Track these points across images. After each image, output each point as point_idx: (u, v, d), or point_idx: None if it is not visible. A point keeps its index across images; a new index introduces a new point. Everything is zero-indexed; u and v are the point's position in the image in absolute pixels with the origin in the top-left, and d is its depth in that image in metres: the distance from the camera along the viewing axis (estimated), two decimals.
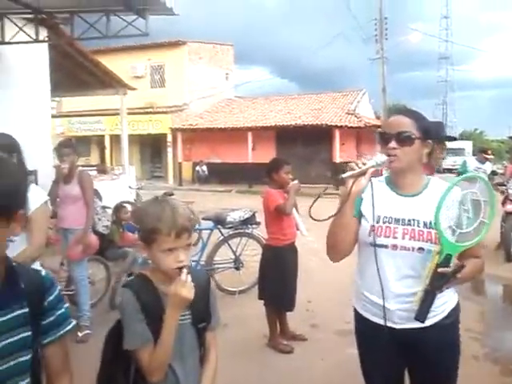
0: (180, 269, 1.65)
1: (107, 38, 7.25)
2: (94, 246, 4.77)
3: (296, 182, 4.32)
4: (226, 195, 19.00)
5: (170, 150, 24.82)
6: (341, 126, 21.06)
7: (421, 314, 1.86)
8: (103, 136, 25.65)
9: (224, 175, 22.49)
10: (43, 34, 7.91)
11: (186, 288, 1.63)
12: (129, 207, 7.12)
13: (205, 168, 23.66)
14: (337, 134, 21.11)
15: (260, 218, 5.83)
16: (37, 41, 7.55)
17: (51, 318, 1.36)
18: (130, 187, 9.91)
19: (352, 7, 34.69)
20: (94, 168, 12.25)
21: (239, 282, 5.83)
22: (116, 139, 23.51)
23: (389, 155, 1.95)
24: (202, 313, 1.78)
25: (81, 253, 4.61)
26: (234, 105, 27.09)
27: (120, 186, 10.31)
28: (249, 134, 22.57)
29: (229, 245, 5.92)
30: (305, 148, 21.39)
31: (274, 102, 26.04)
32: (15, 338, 1.27)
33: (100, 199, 5.59)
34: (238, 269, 5.93)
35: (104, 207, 5.42)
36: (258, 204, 7.22)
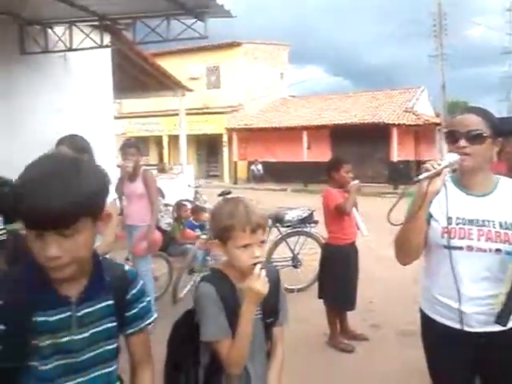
0: (254, 265, 1.71)
1: (167, 41, 7.46)
2: (157, 242, 4.93)
3: (357, 181, 4.30)
4: (281, 194, 19.04)
5: (225, 149, 25.17)
6: (398, 124, 20.62)
7: (503, 317, 1.81)
8: (161, 136, 26.35)
9: (279, 174, 22.58)
10: (107, 39, 8.22)
11: (260, 282, 1.68)
12: (188, 205, 7.31)
13: (260, 167, 23.80)
14: (394, 132, 20.69)
15: (318, 216, 5.85)
16: (101, 46, 7.87)
17: (134, 311, 1.43)
18: (188, 186, 10.14)
19: (410, 2, 33.83)
20: (155, 167, 12.61)
21: (297, 280, 5.85)
22: (173, 139, 24.10)
23: (459, 154, 1.91)
24: (271, 308, 1.83)
25: (145, 249, 4.78)
26: (288, 104, 27.10)
27: (179, 184, 10.57)
28: (304, 133, 22.52)
29: (287, 243, 5.96)
30: (361, 147, 21.06)
31: (329, 101, 25.83)
32: (102, 328, 1.34)
33: (163, 197, 5.77)
34: (296, 267, 5.96)
35: (166, 205, 5.60)
36: (314, 203, 7.23)
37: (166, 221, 5.33)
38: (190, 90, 13.35)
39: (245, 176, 24.67)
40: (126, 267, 1.48)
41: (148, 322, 1.48)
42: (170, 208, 6.06)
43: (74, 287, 1.30)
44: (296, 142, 22.43)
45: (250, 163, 24.37)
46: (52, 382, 1.27)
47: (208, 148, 27.22)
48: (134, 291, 1.44)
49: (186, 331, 1.84)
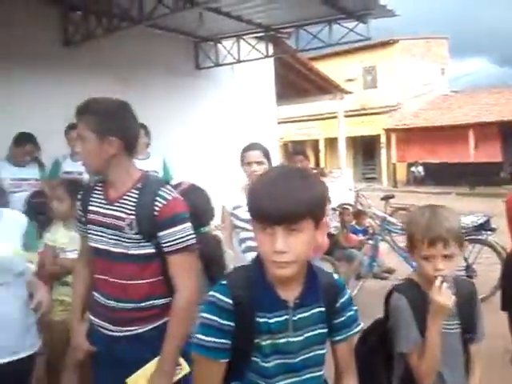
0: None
1: (330, 46, 7.55)
2: (324, 246, 4.99)
3: None
4: (445, 198, 17.90)
5: (383, 151, 24.53)
6: None
7: None
8: (317, 140, 26.61)
9: (441, 176, 21.28)
10: (270, 49, 8.59)
11: (442, 296, 1.64)
12: (350, 209, 7.28)
13: (420, 169, 22.73)
14: None
15: (496, 223, 5.42)
16: (267, 56, 8.26)
17: (342, 319, 1.48)
18: (349, 189, 10.07)
19: None
20: (315, 171, 12.78)
21: None
22: (329, 142, 24.19)
23: None
24: (467, 323, 1.76)
25: (313, 251, 4.87)
26: (451, 101, 25.42)
27: (339, 188, 10.55)
28: (469, 131, 20.92)
29: None
30: None
31: (497, 95, 23.56)
32: (314, 333, 1.42)
33: (329, 201, 5.84)
34: (470, 277, 5.54)
35: (333, 209, 5.66)
36: (483, 207, 6.70)
37: (334, 225, 5.39)
38: (349, 93, 13.32)
39: (404, 178, 23.74)
40: (336, 276, 1.53)
41: (355, 330, 1.51)
42: (337, 212, 6.11)
43: (291, 292, 1.39)
44: (461, 142, 20.93)
45: (410, 165, 23.36)
46: (271, 379, 1.37)
47: (364, 150, 26.77)
48: (342, 299, 1.49)
49: (375, 340, 1.85)
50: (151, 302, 1.97)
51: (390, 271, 6.43)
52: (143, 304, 1.96)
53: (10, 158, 4.68)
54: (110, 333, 2.01)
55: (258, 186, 1.34)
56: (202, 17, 6.66)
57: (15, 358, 2.16)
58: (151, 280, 1.97)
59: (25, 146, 4.71)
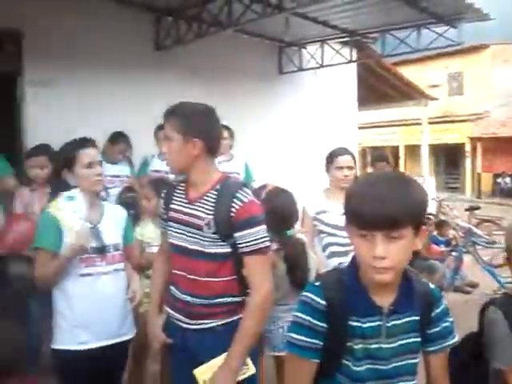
0: None
1: (418, 51, 7.34)
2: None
3: None
4: None
5: (468, 160, 23.45)
6: None
7: None
8: (397, 146, 25.90)
9: None
10: (354, 54, 8.49)
11: None
12: (433, 219, 7.05)
13: (508, 180, 21.51)
14: None
15: None
16: (350, 61, 8.17)
17: (436, 329, 1.46)
18: (432, 199, 9.73)
19: None
20: None
21: None
22: (410, 149, 23.43)
23: None
24: None
25: None
26: None
27: None
28: None
29: None
30: None
31: None
32: (407, 341, 1.41)
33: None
34: None
35: None
36: None
37: None
38: (435, 99, 12.90)
39: (489, 189, 22.55)
40: (432, 285, 1.51)
41: (450, 342, 1.48)
42: None
43: (386, 298, 1.39)
44: None
45: (496, 176, 22.17)
46: (363, 383, 1.37)
47: (447, 158, 25.72)
48: (438, 310, 1.46)
49: (467, 354, 1.80)
50: (225, 299, 2.03)
51: (474, 285, 6.13)
52: (218, 300, 2.02)
53: (103, 156, 4.95)
54: (185, 325, 2.08)
55: (357, 190, 1.33)
56: (288, 22, 6.71)
57: (114, 341, 2.33)
58: (226, 278, 2.03)
59: (118, 144, 4.98)
